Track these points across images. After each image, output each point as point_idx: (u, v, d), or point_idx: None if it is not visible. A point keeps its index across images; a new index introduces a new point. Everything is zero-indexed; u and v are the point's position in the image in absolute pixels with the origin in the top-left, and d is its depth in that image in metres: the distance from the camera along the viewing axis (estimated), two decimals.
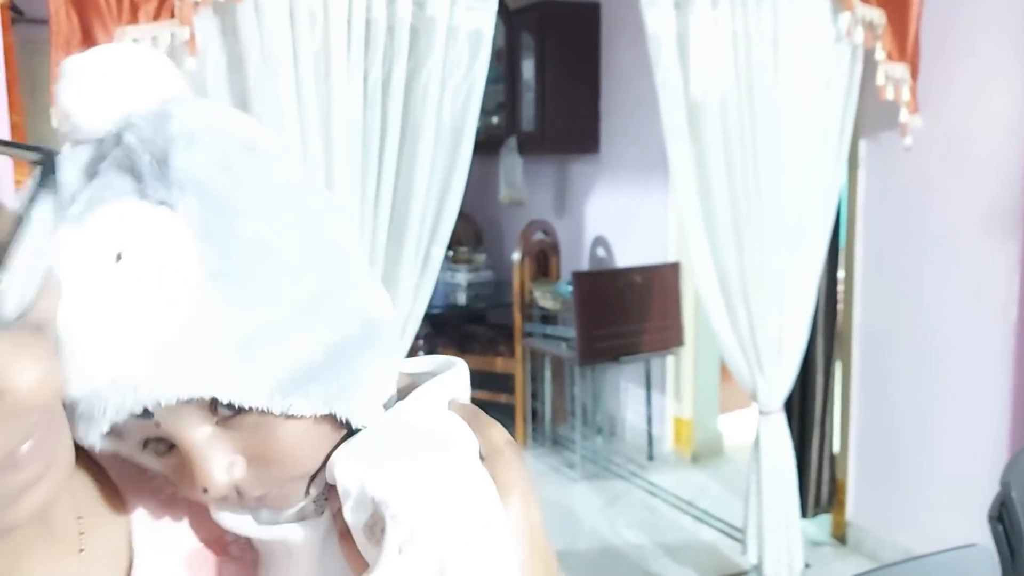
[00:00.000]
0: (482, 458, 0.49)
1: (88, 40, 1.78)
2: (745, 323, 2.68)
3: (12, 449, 0.35)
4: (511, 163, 4.83)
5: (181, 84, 0.48)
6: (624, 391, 4.57)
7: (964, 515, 2.85)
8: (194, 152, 0.44)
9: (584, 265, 4.67)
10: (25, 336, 0.33)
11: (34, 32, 2.47)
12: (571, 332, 3.96)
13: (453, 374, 0.53)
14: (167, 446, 0.46)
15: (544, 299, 4.30)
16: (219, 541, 0.54)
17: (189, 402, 0.43)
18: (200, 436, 0.44)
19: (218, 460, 0.45)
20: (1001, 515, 1.36)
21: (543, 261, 4.59)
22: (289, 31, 1.89)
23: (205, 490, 0.45)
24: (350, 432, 0.49)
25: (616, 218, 4.53)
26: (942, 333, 2.88)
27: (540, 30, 4.49)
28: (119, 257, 0.41)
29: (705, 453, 4.32)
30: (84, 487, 0.51)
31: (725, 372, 4.46)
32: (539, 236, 4.59)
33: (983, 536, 2.68)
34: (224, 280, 0.42)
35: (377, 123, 2.03)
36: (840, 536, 3.36)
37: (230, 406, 0.43)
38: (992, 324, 2.71)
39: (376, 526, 0.44)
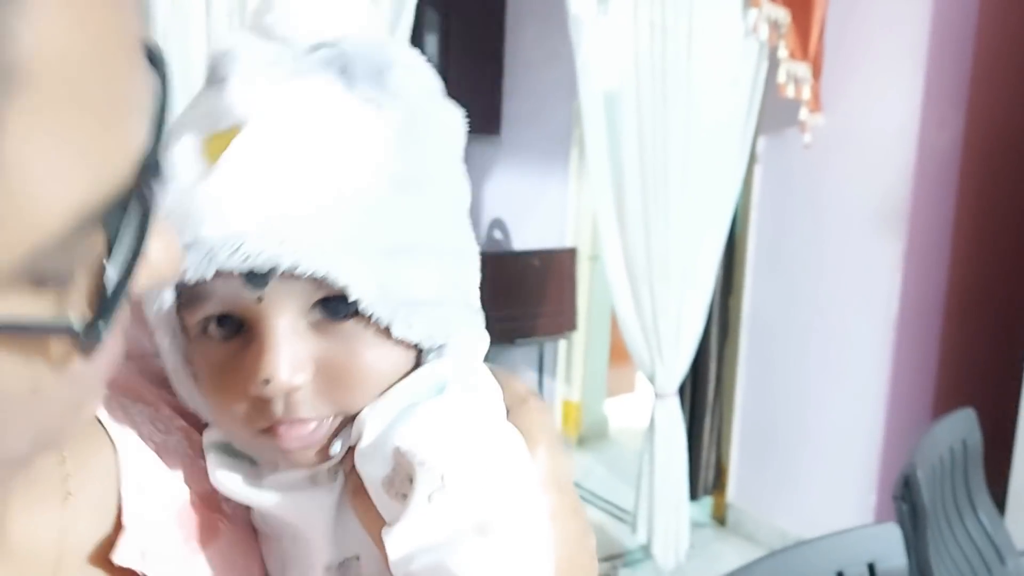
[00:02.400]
0: (507, 410, 0.49)
1: None
2: (649, 309, 2.74)
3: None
4: None
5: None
6: (516, 374, 4.59)
7: (837, 500, 3.03)
8: (412, 77, 0.47)
9: (480, 247, 4.65)
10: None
11: None
12: None
13: (474, 338, 0.52)
14: (235, 329, 0.44)
15: None
16: (212, 497, 0.50)
17: (306, 287, 0.42)
18: (288, 325, 0.43)
19: (292, 355, 0.43)
20: (904, 495, 1.44)
21: None
22: None
23: (267, 381, 0.42)
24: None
25: (514, 201, 4.54)
26: (826, 326, 3.03)
27: (445, 7, 4.43)
28: (315, 123, 0.42)
29: (591, 436, 4.40)
30: None
31: (611, 357, 4.56)
32: None
33: (854, 519, 2.87)
34: (400, 190, 0.43)
35: None
36: (720, 518, 3.50)
37: (347, 306, 0.42)
38: (873, 319, 2.87)
39: (397, 479, 0.42)
